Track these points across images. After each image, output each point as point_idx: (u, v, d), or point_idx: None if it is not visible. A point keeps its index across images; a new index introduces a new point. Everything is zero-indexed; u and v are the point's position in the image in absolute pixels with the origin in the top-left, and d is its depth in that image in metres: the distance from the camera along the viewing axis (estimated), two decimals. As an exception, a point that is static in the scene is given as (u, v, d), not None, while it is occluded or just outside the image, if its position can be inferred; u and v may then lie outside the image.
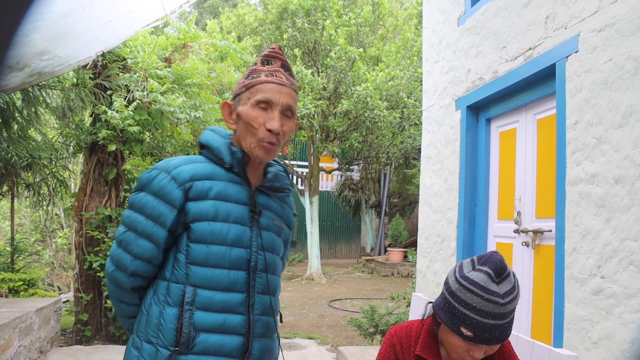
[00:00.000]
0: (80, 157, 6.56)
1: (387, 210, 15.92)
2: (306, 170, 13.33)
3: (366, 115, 10.98)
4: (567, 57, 3.27)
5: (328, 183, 17.47)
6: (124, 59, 5.46)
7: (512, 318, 1.58)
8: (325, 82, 10.76)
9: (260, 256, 1.63)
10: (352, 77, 11.07)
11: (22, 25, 0.47)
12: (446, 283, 1.66)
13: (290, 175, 1.85)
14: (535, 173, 3.80)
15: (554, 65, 3.39)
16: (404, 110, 11.83)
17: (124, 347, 1.72)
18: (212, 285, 1.55)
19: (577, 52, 3.19)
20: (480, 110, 4.52)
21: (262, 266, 1.63)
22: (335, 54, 10.66)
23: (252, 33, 10.99)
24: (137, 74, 5.35)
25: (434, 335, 1.75)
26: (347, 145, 12.79)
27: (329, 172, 14.36)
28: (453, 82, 4.81)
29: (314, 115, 11.18)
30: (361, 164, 15.79)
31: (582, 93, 3.14)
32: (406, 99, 11.62)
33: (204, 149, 1.69)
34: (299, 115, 10.24)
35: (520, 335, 2.01)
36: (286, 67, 1.68)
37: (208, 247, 1.56)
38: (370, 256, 14.85)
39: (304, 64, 10.97)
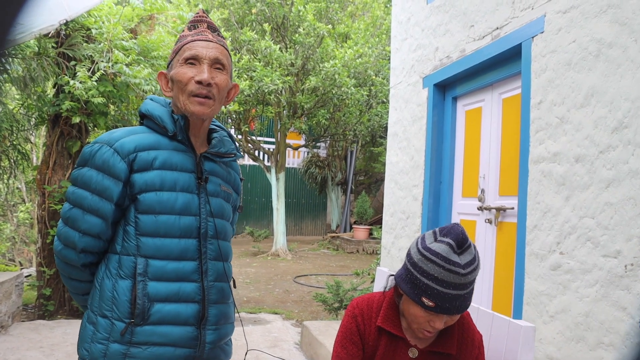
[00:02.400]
0: (43, 130, 6.39)
1: (353, 187, 16.02)
2: (273, 146, 13.27)
3: (334, 92, 10.95)
4: (533, 37, 3.32)
5: (295, 160, 17.45)
6: (89, 29, 5.30)
7: (472, 289, 1.62)
8: (293, 58, 10.67)
9: (210, 223, 1.63)
10: (320, 54, 11.00)
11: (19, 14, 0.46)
12: (408, 254, 1.68)
13: (236, 141, 1.86)
14: (499, 151, 3.87)
15: (520, 45, 3.44)
16: (372, 88, 11.84)
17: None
18: (163, 255, 1.55)
19: (542, 32, 3.24)
20: (447, 88, 4.56)
21: (213, 233, 1.64)
22: (303, 30, 10.55)
23: (220, 6, 10.77)
24: (102, 44, 5.20)
25: (395, 307, 1.77)
26: (314, 122, 12.76)
27: (296, 148, 14.33)
28: (421, 60, 4.84)
29: (281, 92, 11.10)
30: (328, 141, 15.80)
31: (546, 73, 3.19)
32: (374, 77, 11.62)
33: (146, 118, 1.68)
34: (267, 90, 10.14)
35: (481, 307, 2.06)
36: (213, 28, 1.69)
37: (156, 217, 1.55)
38: (336, 233, 14.97)
39: (272, 39, 10.84)
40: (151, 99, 1.72)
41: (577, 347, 2.78)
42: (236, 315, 1.82)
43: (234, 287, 1.80)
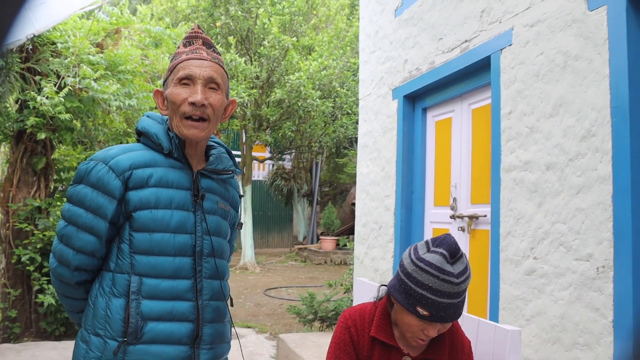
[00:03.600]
0: (5, 146, 6.21)
1: (319, 199, 16.07)
2: (239, 159, 13.23)
3: (299, 104, 11.01)
4: (501, 49, 3.44)
5: (260, 172, 17.42)
6: (54, 43, 5.21)
7: (464, 297, 1.67)
8: (258, 70, 10.70)
9: (205, 241, 1.62)
10: (285, 66, 11.06)
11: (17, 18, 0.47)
12: (402, 265, 1.72)
13: (234, 158, 1.87)
14: (470, 161, 3.97)
15: (489, 57, 3.55)
16: (337, 99, 11.96)
17: (57, 342, 1.68)
18: (157, 273, 1.55)
19: (510, 45, 3.35)
20: (417, 99, 4.65)
21: (209, 251, 1.63)
22: (268, 42, 10.61)
23: (185, 20, 10.73)
24: (69, 59, 5.11)
25: (388, 316, 1.81)
26: (279, 135, 12.78)
27: (262, 161, 14.31)
28: (390, 72, 4.93)
29: (246, 104, 11.10)
30: (293, 153, 15.84)
31: (515, 84, 3.31)
32: (339, 89, 11.74)
33: (142, 136, 1.67)
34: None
35: (466, 314, 2.11)
36: (208, 45, 1.69)
37: (151, 235, 1.55)
38: (303, 245, 14.97)
39: (237, 52, 10.84)
40: (148, 116, 1.71)
41: (554, 348, 2.86)
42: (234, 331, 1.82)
43: (231, 305, 1.80)
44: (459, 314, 1.66)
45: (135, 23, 6.00)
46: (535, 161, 3.09)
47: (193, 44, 1.66)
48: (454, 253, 1.64)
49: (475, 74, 3.84)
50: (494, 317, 3.33)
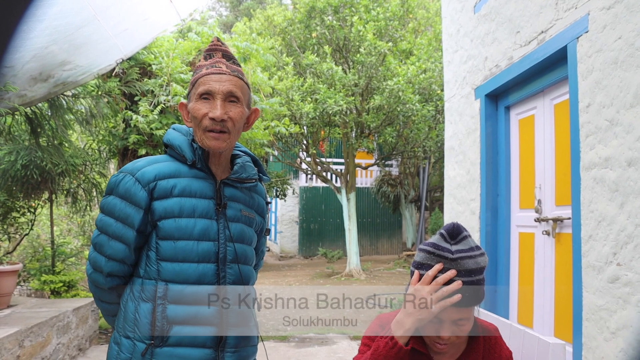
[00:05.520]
0: (113, 162, 6.77)
1: (428, 204, 15.74)
2: (342, 167, 13.33)
3: (399, 109, 10.87)
4: (577, 38, 3.17)
5: (367, 179, 17.40)
6: (150, 65, 5.59)
7: (474, 281, 1.52)
8: (356, 78, 10.72)
9: (229, 248, 1.66)
10: (383, 72, 10.98)
11: (20, 27, 0.49)
12: None
13: (262, 164, 1.88)
14: (554, 160, 3.69)
15: (565, 47, 3.28)
16: (438, 103, 11.66)
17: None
18: (181, 279, 1.60)
19: (587, 32, 3.08)
20: (499, 98, 4.42)
21: (232, 257, 1.66)
22: (364, 49, 10.60)
23: (282, 33, 11.05)
24: (162, 78, 5.46)
25: None
26: (382, 141, 12.69)
27: (366, 168, 14.30)
28: (471, 71, 4.72)
29: (346, 112, 11.16)
30: (399, 159, 15.65)
31: (593, 74, 3.03)
32: (439, 92, 11.44)
33: (168, 147, 1.73)
34: (331, 112, 10.24)
35: (513, 324, 1.96)
36: (228, 57, 1.71)
37: (175, 243, 1.60)
38: (412, 251, 14.72)
39: (334, 60, 10.96)
40: (174, 129, 1.78)
41: (640, 365, 2.56)
42: (263, 340, 1.83)
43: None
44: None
45: (224, 40, 6.27)
46: (616, 157, 2.80)
47: (213, 57, 1.70)
48: (453, 233, 1.59)
49: (553, 66, 3.57)
50: (578, 328, 3.06)
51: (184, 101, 1.76)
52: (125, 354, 1.61)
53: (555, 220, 3.59)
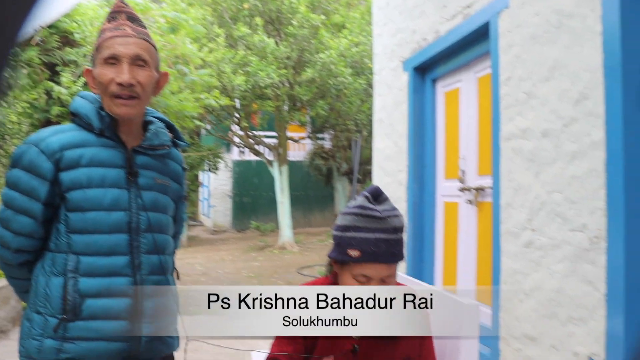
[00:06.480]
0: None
1: (361, 177, 15.98)
2: (275, 140, 13.28)
3: (331, 82, 10.92)
4: (499, 13, 3.27)
5: (300, 153, 17.44)
6: (71, 33, 5.32)
7: (400, 239, 1.61)
8: (288, 51, 10.65)
9: (142, 217, 1.63)
10: (315, 45, 10.96)
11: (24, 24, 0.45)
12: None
13: (178, 129, 1.85)
14: (477, 131, 3.83)
15: (487, 22, 3.39)
16: (370, 76, 11.77)
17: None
18: (93, 251, 1.56)
19: (507, 7, 3.19)
20: (426, 71, 4.51)
21: (145, 226, 1.63)
22: (297, 22, 10.53)
23: (213, 3, 10.78)
24: (86, 48, 5.22)
25: None
26: (314, 114, 12.73)
27: (297, 141, 14.32)
28: (400, 44, 4.79)
29: (278, 85, 11.09)
30: (332, 133, 15.76)
31: (513, 49, 3.15)
32: (371, 65, 11.55)
33: (75, 116, 1.66)
34: (263, 84, 10.14)
35: (432, 287, 2.05)
36: (132, 18, 1.65)
37: (84, 214, 1.56)
38: (344, 224, 14.93)
39: (266, 33, 10.82)
40: (80, 96, 1.70)
41: (550, 323, 2.75)
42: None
43: (177, 278, 1.80)
44: (394, 254, 1.60)
45: (152, 9, 6.06)
46: (533, 128, 2.95)
47: (117, 19, 1.63)
48: (376, 195, 1.65)
49: (477, 40, 3.68)
50: (496, 291, 3.23)
51: (89, 68, 1.67)
52: (36, 329, 1.57)
53: (477, 189, 3.75)
